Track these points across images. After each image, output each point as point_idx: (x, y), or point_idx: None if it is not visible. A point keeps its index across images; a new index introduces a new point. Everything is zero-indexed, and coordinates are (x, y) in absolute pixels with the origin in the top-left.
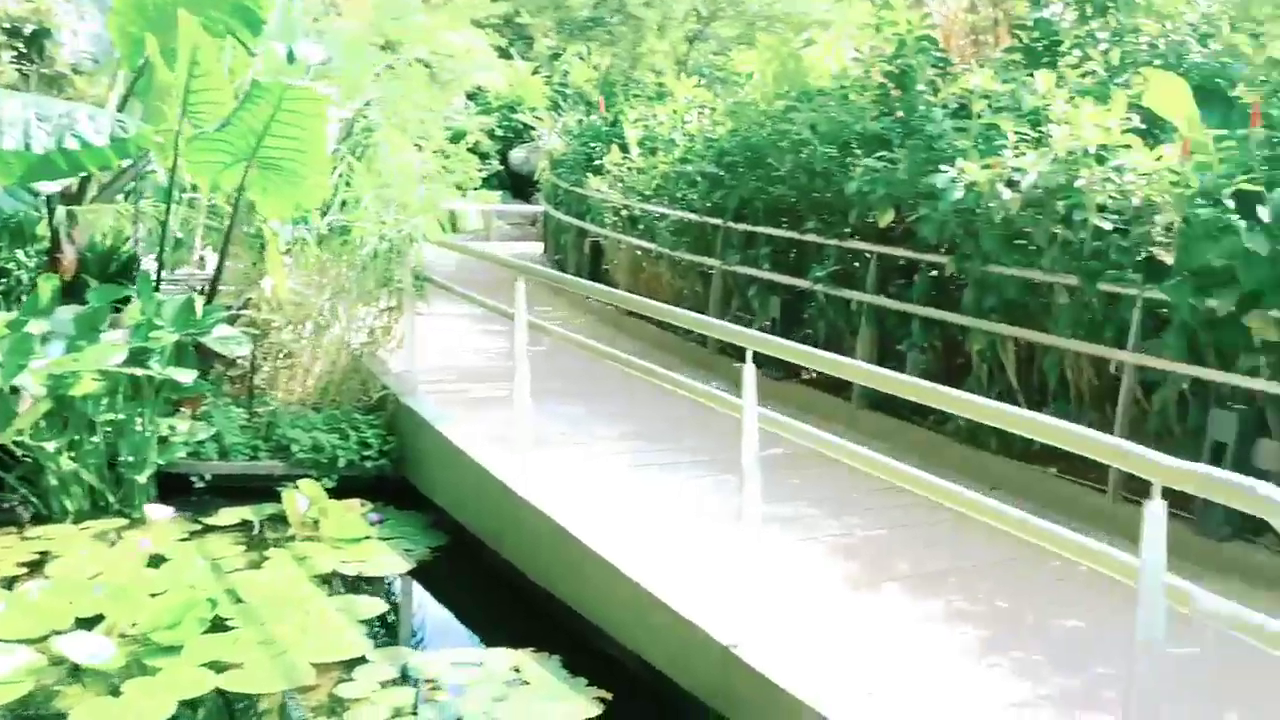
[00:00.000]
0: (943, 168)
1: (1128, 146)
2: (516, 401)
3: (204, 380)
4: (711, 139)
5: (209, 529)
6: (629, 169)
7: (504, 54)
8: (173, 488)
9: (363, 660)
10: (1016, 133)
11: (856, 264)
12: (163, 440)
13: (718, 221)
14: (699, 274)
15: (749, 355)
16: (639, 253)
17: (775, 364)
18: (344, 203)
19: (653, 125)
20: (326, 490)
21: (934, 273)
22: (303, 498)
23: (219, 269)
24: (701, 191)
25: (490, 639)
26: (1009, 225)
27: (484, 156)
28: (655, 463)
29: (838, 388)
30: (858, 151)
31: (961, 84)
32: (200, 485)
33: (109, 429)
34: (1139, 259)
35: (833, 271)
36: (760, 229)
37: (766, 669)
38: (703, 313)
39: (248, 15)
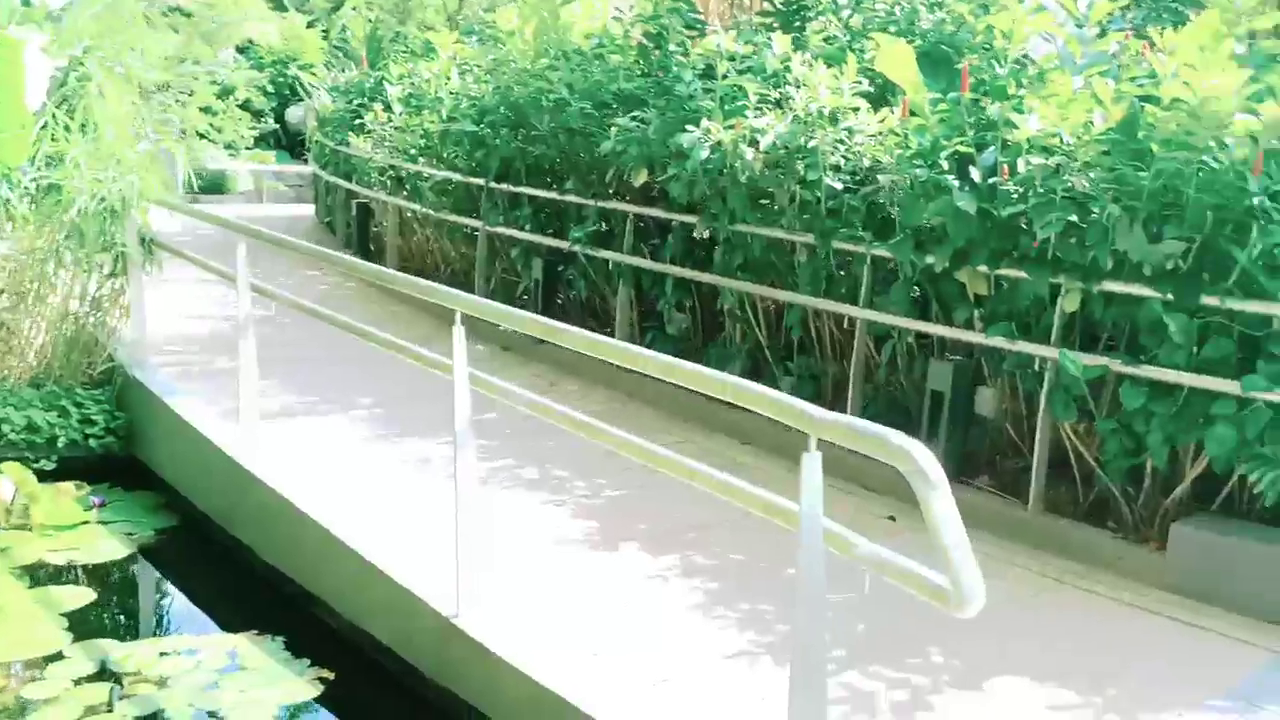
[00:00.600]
0: (689, 128)
1: (856, 109)
2: (242, 372)
3: None
4: (475, 98)
5: None
6: (393, 129)
7: (279, 6)
8: None
9: (58, 656)
10: (758, 94)
11: (616, 225)
12: None
13: (481, 182)
14: (465, 236)
15: (458, 317)
16: (408, 215)
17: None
18: (49, 159)
19: (418, 83)
20: (48, 472)
21: (689, 233)
22: (6, 483)
23: None
24: (464, 151)
25: (218, 623)
26: (753, 185)
27: (258, 115)
28: (391, 433)
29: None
30: (616, 111)
31: (706, 45)
32: None
33: None
34: (869, 218)
35: (592, 232)
36: (523, 189)
37: (485, 638)
38: (469, 276)
39: None
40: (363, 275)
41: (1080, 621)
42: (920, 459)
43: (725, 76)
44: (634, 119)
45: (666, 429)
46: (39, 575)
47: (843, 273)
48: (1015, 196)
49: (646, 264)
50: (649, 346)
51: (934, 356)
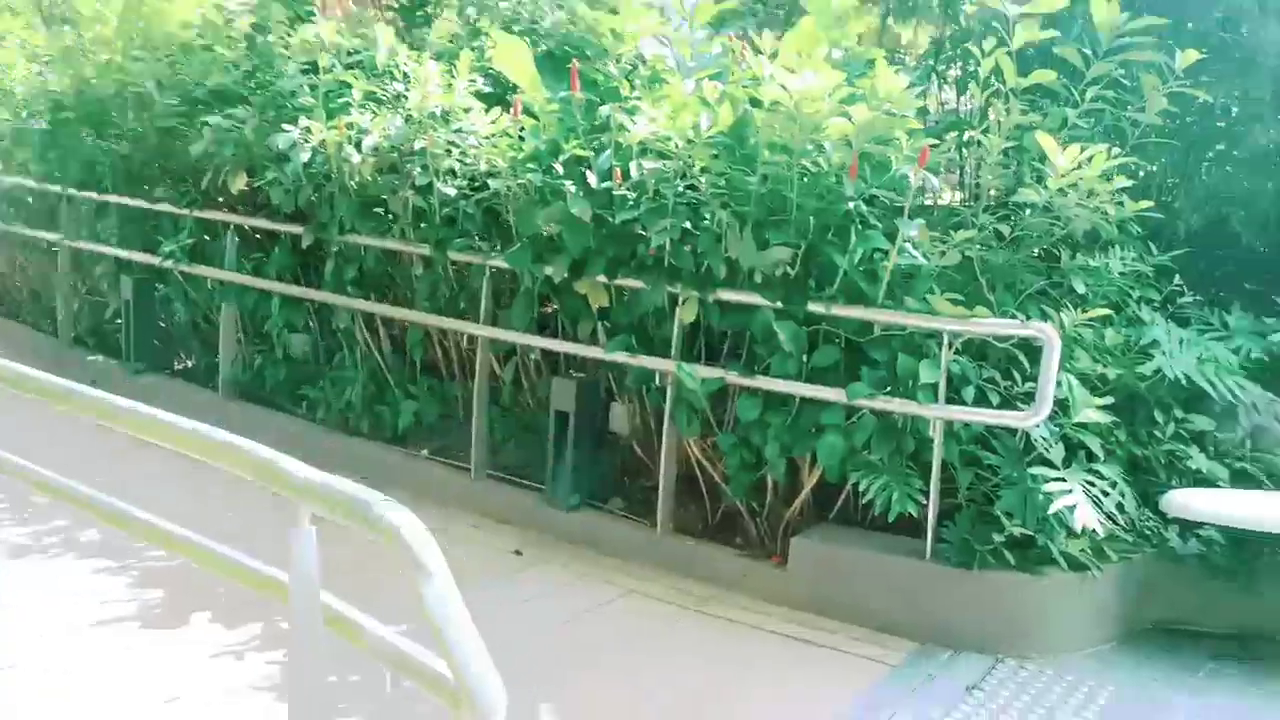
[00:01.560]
0: (286, 127)
1: (468, 109)
2: None
3: None
4: (54, 91)
5: None
6: None
7: None
8: None
9: None
10: (364, 91)
11: (218, 237)
12: None
13: (59, 189)
14: (45, 252)
15: None
16: None
17: (142, 356)
18: None
19: None
20: None
21: (296, 245)
22: None
23: None
24: (36, 154)
25: None
26: (363, 191)
27: None
28: None
29: (210, 379)
30: (212, 109)
31: (304, 36)
32: None
33: None
34: (488, 227)
35: (186, 245)
36: (109, 198)
37: None
38: (47, 298)
39: None
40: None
41: (700, 646)
42: (410, 537)
43: (331, 70)
44: (228, 117)
45: None
46: None
47: (463, 286)
48: (630, 202)
49: (249, 280)
50: (260, 373)
51: (560, 374)
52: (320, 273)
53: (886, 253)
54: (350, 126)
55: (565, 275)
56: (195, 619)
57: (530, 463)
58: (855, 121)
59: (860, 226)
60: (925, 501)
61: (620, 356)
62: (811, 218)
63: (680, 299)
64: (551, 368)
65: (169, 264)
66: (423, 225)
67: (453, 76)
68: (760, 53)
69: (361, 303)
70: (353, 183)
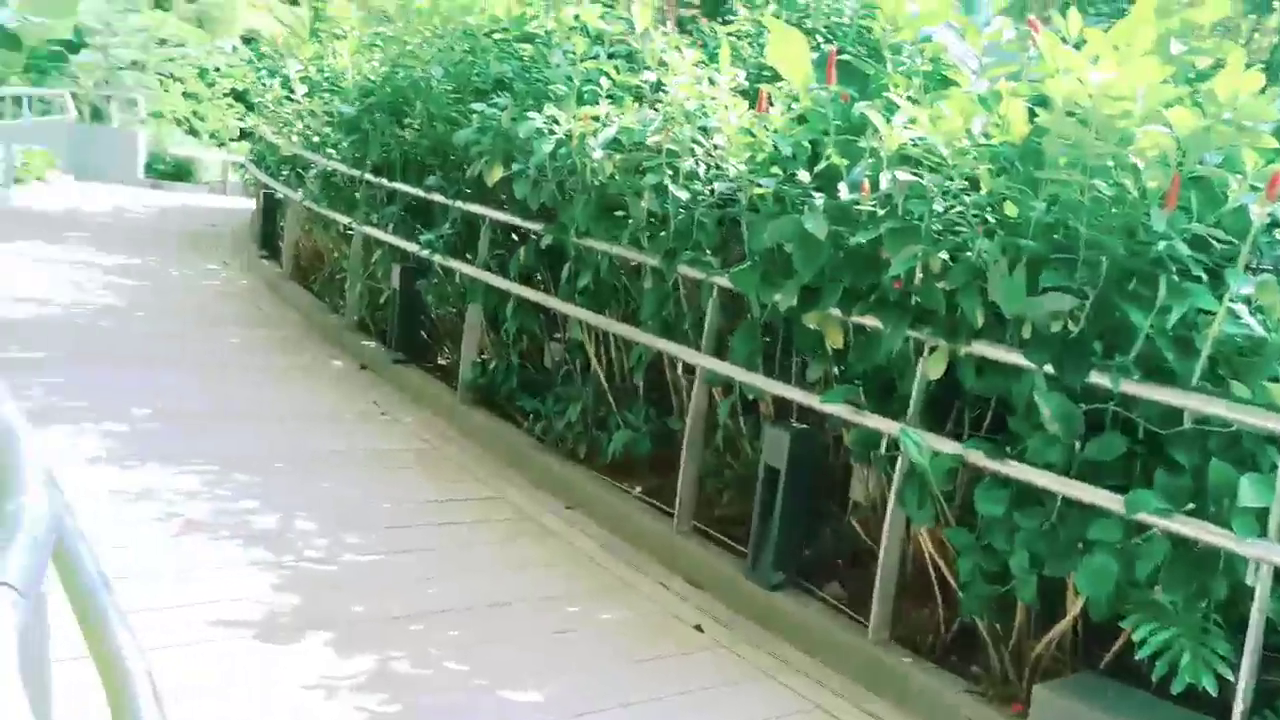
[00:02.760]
0: (530, 115)
1: (711, 102)
2: None
3: None
4: (370, 79)
5: None
6: (295, 112)
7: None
8: None
9: None
10: (622, 82)
11: (475, 230)
12: None
13: (356, 173)
14: (343, 235)
15: None
16: (306, 210)
17: (403, 346)
18: None
19: (329, 64)
20: None
21: (540, 245)
22: None
23: None
24: (346, 139)
25: None
26: (603, 190)
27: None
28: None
29: (452, 376)
30: (489, 96)
31: (562, 17)
32: None
33: None
34: (725, 239)
35: (445, 237)
36: (396, 185)
37: None
38: (341, 279)
39: None
40: None
41: None
42: None
43: (593, 57)
44: (493, 105)
45: (475, 473)
46: None
47: (691, 306)
48: (873, 220)
49: (491, 278)
50: (495, 381)
51: (780, 419)
52: (559, 277)
53: (1210, 316)
54: (596, 118)
55: (794, 304)
56: (311, 638)
57: (747, 521)
58: (1178, 132)
59: (1175, 276)
60: (1233, 676)
61: (839, 409)
62: (1106, 259)
63: (926, 348)
64: (782, 411)
65: (425, 253)
66: (660, 233)
67: (711, 67)
68: (1065, 40)
69: (586, 313)
70: (594, 180)
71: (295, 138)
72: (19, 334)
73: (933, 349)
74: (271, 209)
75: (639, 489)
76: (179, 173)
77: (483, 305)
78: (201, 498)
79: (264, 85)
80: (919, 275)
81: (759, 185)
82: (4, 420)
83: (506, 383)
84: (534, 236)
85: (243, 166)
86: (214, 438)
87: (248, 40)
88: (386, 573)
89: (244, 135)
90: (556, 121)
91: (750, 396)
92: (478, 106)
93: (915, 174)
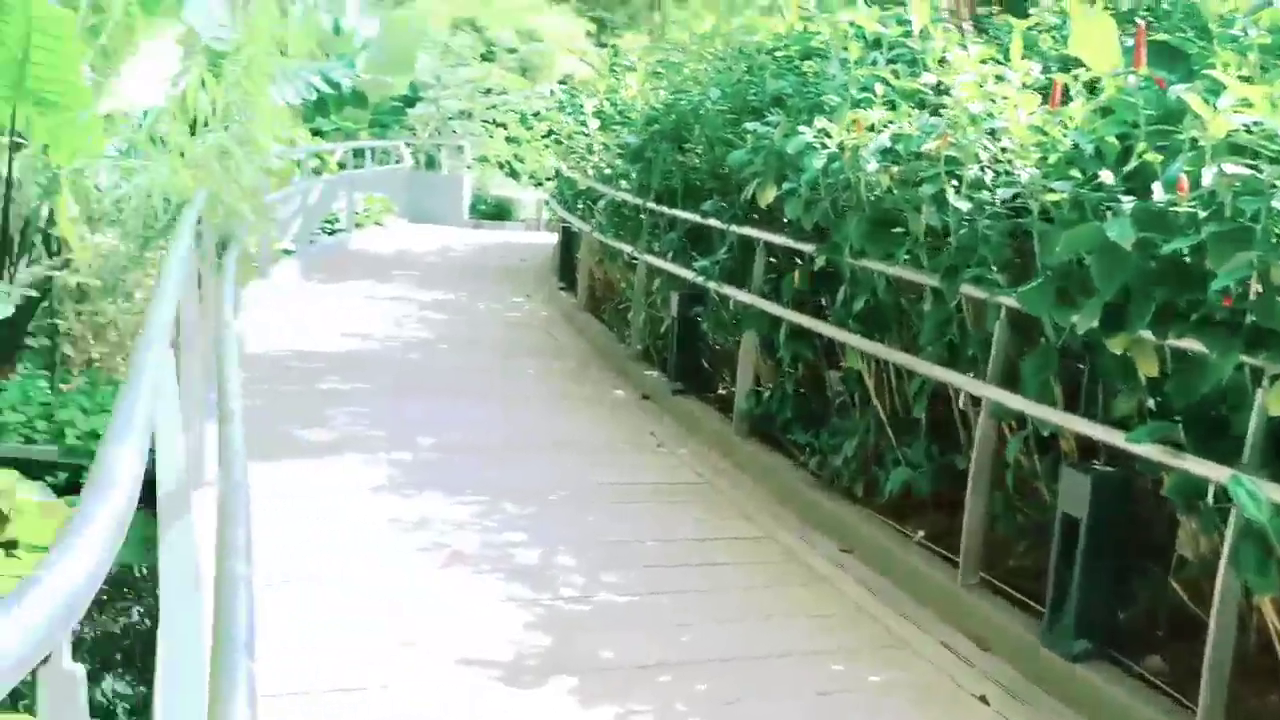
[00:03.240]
0: (800, 129)
1: (997, 100)
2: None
3: None
4: (655, 108)
5: None
6: (587, 146)
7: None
8: None
9: None
10: (899, 87)
11: (749, 254)
12: None
13: (640, 202)
14: (629, 264)
15: None
16: (597, 241)
17: (682, 375)
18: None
19: (619, 97)
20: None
21: (812, 267)
22: None
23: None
24: (631, 168)
25: None
26: (878, 204)
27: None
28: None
29: (729, 407)
30: (765, 115)
31: (833, 21)
32: None
33: None
34: (1014, 254)
35: (720, 261)
36: (676, 211)
37: None
38: (626, 307)
39: None
40: None
41: None
42: None
43: (871, 63)
44: (767, 123)
45: (745, 510)
46: None
47: (975, 330)
48: (1197, 221)
49: (764, 304)
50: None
51: (1082, 460)
52: (834, 300)
53: None
54: (870, 127)
55: (1095, 326)
56: (554, 683)
57: (1044, 576)
58: None
59: None
60: None
61: (1151, 450)
62: None
63: (1266, 376)
64: (1087, 451)
65: (700, 279)
66: (939, 250)
67: (997, 62)
68: None
69: (860, 339)
70: (868, 195)
71: (590, 171)
72: (338, 367)
73: (1274, 378)
74: (569, 242)
75: (920, 533)
76: (499, 212)
77: (757, 332)
78: (471, 529)
79: (564, 123)
80: (1254, 288)
81: (1052, 190)
82: None
83: (781, 414)
84: (808, 258)
85: (548, 203)
86: (493, 468)
87: (564, 84)
88: (641, 616)
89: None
90: (828, 135)
91: (1046, 432)
92: (751, 126)
93: (1250, 166)
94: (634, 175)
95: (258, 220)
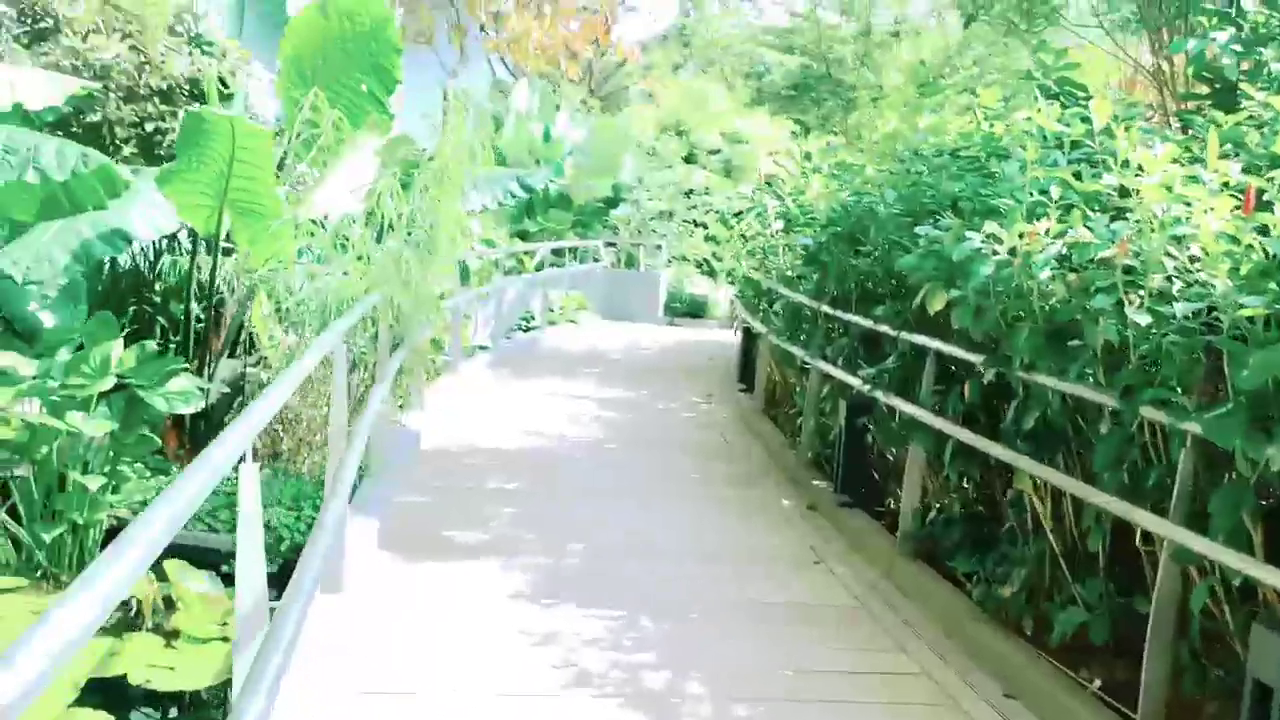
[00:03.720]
0: (968, 235)
1: (1188, 205)
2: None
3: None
4: (835, 210)
5: None
6: (767, 247)
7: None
8: None
9: None
10: (1067, 187)
11: (919, 364)
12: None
13: (815, 305)
14: (802, 369)
15: None
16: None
17: (849, 488)
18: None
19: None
20: (269, 575)
21: (987, 379)
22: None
23: (213, 320)
24: (801, 270)
25: None
26: (1051, 315)
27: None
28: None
29: (895, 524)
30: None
31: (1011, 124)
32: None
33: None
34: (1203, 374)
35: (890, 370)
36: (848, 316)
37: None
38: (798, 413)
39: (383, 76)
40: None
41: None
42: None
43: (1054, 164)
44: (939, 227)
45: (901, 641)
46: (99, 692)
47: (1158, 459)
48: None
49: (929, 418)
50: (936, 533)
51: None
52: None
53: None
54: (1047, 233)
55: None
56: None
57: None
58: None
59: None
60: None
61: None
62: None
63: None
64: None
65: (866, 388)
66: (1118, 367)
67: (1187, 161)
68: None
69: (1029, 461)
70: (1040, 304)
71: (772, 272)
72: (508, 464)
73: None
74: (749, 344)
75: (1096, 682)
76: (693, 310)
77: (924, 447)
78: (602, 645)
79: (750, 225)
80: None
81: (1244, 305)
82: None
83: (947, 536)
84: (977, 370)
85: (732, 302)
86: (639, 578)
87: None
88: None
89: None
90: (999, 240)
91: (1236, 581)
92: (921, 230)
93: None
94: (811, 277)
95: (432, 321)
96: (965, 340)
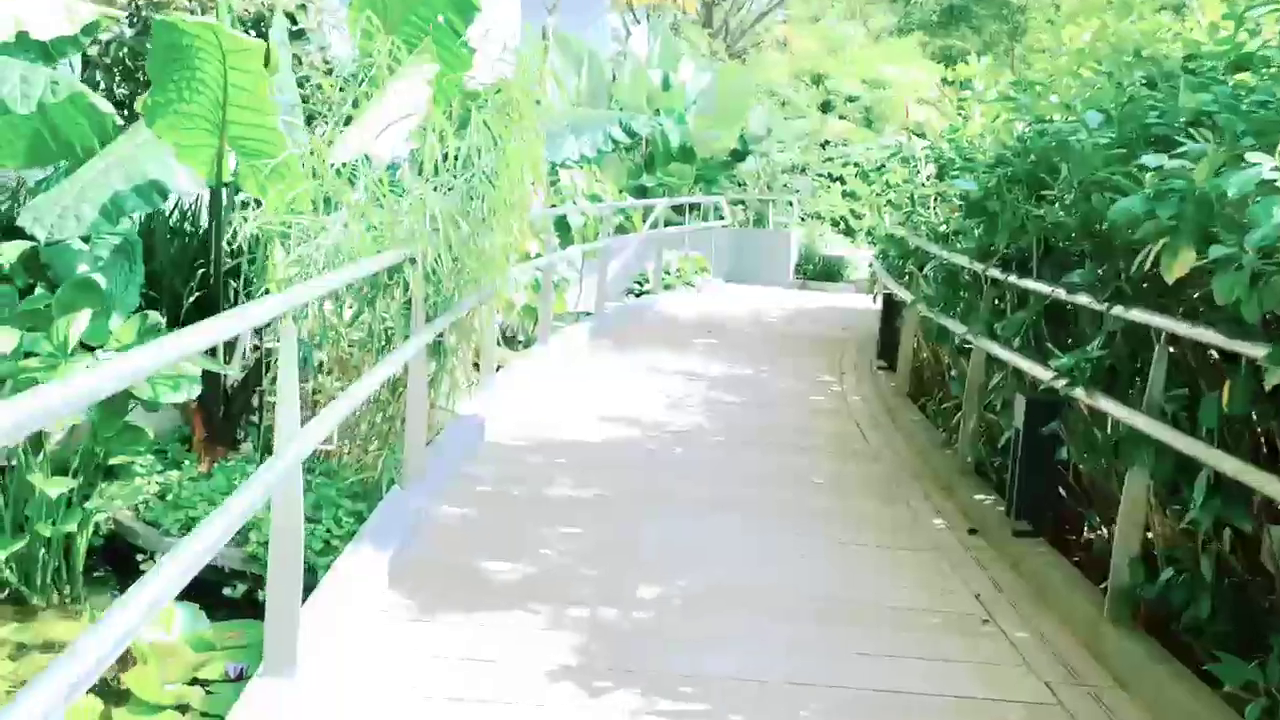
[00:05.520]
0: (1250, 157)
1: None
2: None
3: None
4: (1006, 147)
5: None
6: (916, 198)
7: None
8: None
9: None
10: None
11: (1142, 352)
12: (68, 503)
13: (979, 268)
14: (961, 349)
15: None
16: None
17: (1028, 511)
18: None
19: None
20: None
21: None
22: None
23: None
24: (959, 224)
25: None
26: None
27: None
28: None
29: (1100, 569)
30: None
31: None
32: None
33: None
34: None
35: (1095, 360)
36: (1025, 282)
37: None
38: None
39: (461, 5)
40: None
41: None
42: None
43: None
44: (1177, 156)
45: None
46: None
47: None
48: None
49: (1165, 433)
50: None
51: None
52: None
53: None
54: None
55: None
56: None
57: None
58: None
59: None
60: None
61: None
62: None
63: None
64: None
65: (1059, 384)
66: None
67: None
68: None
69: None
70: None
71: (921, 228)
72: (582, 464)
73: None
74: (890, 312)
75: None
76: (827, 273)
77: (1151, 471)
78: None
79: (896, 172)
80: None
81: None
82: None
83: (1194, 607)
84: (1250, 367)
85: (871, 264)
86: (717, 640)
87: (919, 134)
88: None
89: (875, 231)
90: None
91: None
92: (1152, 160)
93: None
94: (974, 233)
95: (497, 286)
96: (1227, 321)
